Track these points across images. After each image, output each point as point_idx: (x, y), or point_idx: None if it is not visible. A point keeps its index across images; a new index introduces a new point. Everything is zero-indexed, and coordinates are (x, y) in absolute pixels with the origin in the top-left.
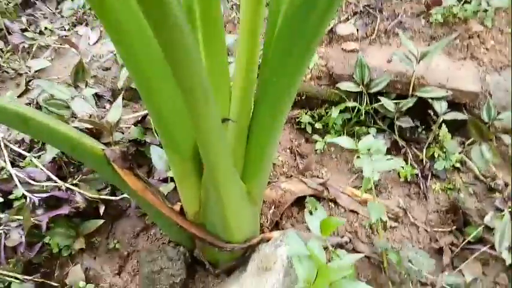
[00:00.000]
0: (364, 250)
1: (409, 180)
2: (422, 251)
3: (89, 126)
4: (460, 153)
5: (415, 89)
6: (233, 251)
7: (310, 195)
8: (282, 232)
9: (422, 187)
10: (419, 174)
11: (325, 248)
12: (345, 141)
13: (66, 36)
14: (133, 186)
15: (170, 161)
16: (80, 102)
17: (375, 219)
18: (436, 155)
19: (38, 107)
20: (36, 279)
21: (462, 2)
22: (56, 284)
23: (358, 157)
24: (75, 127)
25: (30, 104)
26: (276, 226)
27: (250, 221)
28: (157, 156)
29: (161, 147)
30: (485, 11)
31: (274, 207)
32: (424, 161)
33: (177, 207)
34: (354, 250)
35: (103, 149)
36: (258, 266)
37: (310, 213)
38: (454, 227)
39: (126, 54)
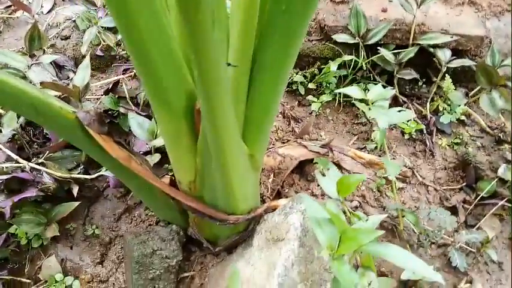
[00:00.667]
0: (375, 213)
1: (414, 137)
2: (442, 208)
3: (54, 92)
4: (465, 104)
5: (415, 37)
6: (236, 224)
7: (311, 160)
8: (290, 199)
9: (428, 144)
10: (424, 130)
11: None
12: (355, 91)
13: (12, 6)
14: (114, 155)
15: (159, 120)
16: (38, 70)
17: (393, 176)
18: (440, 109)
19: None
20: (3, 277)
21: None
22: (27, 281)
23: (369, 109)
24: None
25: None
26: (278, 195)
27: (253, 190)
28: (137, 124)
29: (140, 115)
30: None
31: (274, 175)
32: (428, 116)
33: (166, 180)
34: (365, 214)
35: (74, 111)
36: (267, 238)
37: (323, 174)
38: (464, 183)
39: None
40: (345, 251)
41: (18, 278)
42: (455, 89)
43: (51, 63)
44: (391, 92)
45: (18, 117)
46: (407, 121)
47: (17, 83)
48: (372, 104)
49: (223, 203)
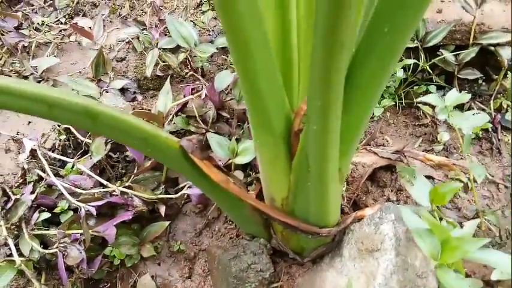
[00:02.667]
0: (453, 216)
1: (479, 136)
2: None
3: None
4: None
5: (476, 37)
6: (325, 236)
7: (385, 166)
8: (378, 208)
9: (494, 142)
10: (490, 129)
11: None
12: (433, 98)
13: (65, 29)
14: (215, 179)
15: (260, 145)
16: (110, 96)
17: (480, 180)
18: (504, 105)
19: None
20: None
21: None
22: None
23: (449, 115)
24: None
25: None
26: (354, 204)
27: (339, 202)
28: (216, 143)
29: (217, 134)
30: None
31: (347, 184)
32: (492, 114)
33: (252, 195)
34: (441, 219)
35: (178, 141)
36: (359, 249)
37: (410, 183)
38: None
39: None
40: (450, 260)
41: None
42: None
43: None
44: (467, 96)
45: (106, 144)
46: None
47: (128, 118)
48: (449, 109)
49: (314, 216)
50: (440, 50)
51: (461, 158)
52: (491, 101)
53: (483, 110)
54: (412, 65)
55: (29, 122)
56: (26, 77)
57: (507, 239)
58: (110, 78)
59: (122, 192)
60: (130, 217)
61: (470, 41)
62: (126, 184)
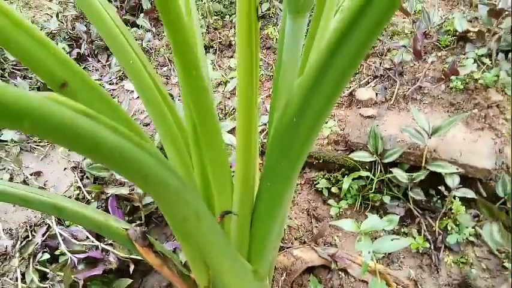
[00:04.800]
0: None
1: (421, 251)
2: None
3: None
4: (473, 227)
5: (427, 162)
6: None
7: (321, 265)
8: None
9: (434, 259)
10: (432, 246)
11: None
12: (347, 224)
13: (113, 89)
14: (151, 262)
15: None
16: None
17: None
18: (449, 228)
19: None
20: None
21: (482, 70)
22: None
23: (359, 240)
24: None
25: (75, 167)
26: None
27: None
28: None
29: None
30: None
31: (286, 275)
32: (437, 232)
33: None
34: None
35: (126, 229)
36: None
37: None
38: None
39: None
40: None
41: None
42: (466, 210)
43: None
44: (384, 224)
45: None
46: (414, 238)
47: (85, 211)
48: (364, 234)
49: None
50: (395, 167)
51: (400, 269)
52: (437, 221)
53: (432, 226)
54: (371, 176)
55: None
56: None
57: None
58: None
59: (103, 249)
60: (101, 272)
61: (422, 165)
62: (109, 241)
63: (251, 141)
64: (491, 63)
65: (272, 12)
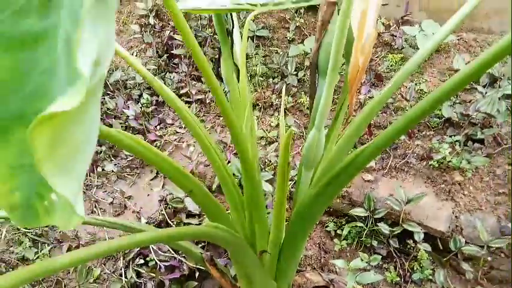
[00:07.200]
0: None
1: (394, 282)
2: None
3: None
4: (431, 269)
5: (403, 221)
6: None
7: (324, 286)
8: None
9: None
10: (402, 280)
11: None
12: (340, 262)
13: (182, 133)
14: (214, 275)
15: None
16: (188, 199)
17: None
18: (415, 268)
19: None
20: None
21: (453, 154)
22: None
23: (347, 274)
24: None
25: (162, 200)
26: None
27: None
28: None
29: None
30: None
31: None
32: (406, 270)
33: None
34: None
35: (201, 253)
36: None
37: None
38: None
39: None
40: None
41: None
42: (427, 257)
43: None
44: (363, 264)
45: None
46: (390, 272)
47: (176, 238)
48: (351, 270)
49: None
50: (382, 221)
51: None
52: (407, 263)
53: (404, 265)
54: (364, 226)
55: None
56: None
57: None
58: None
59: (180, 260)
60: (178, 276)
61: (400, 222)
62: (183, 255)
63: (281, 212)
64: (460, 150)
65: (306, 79)
